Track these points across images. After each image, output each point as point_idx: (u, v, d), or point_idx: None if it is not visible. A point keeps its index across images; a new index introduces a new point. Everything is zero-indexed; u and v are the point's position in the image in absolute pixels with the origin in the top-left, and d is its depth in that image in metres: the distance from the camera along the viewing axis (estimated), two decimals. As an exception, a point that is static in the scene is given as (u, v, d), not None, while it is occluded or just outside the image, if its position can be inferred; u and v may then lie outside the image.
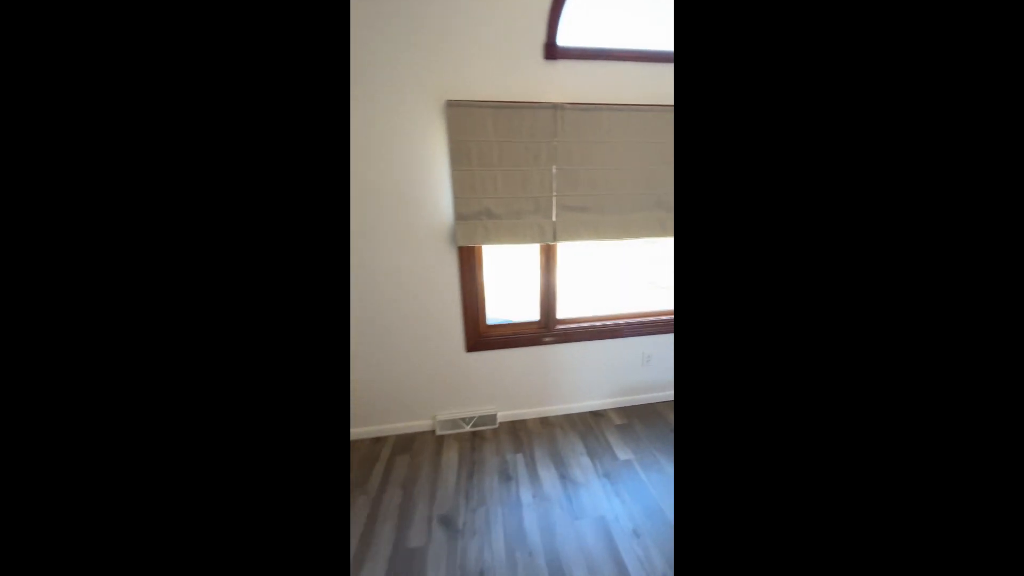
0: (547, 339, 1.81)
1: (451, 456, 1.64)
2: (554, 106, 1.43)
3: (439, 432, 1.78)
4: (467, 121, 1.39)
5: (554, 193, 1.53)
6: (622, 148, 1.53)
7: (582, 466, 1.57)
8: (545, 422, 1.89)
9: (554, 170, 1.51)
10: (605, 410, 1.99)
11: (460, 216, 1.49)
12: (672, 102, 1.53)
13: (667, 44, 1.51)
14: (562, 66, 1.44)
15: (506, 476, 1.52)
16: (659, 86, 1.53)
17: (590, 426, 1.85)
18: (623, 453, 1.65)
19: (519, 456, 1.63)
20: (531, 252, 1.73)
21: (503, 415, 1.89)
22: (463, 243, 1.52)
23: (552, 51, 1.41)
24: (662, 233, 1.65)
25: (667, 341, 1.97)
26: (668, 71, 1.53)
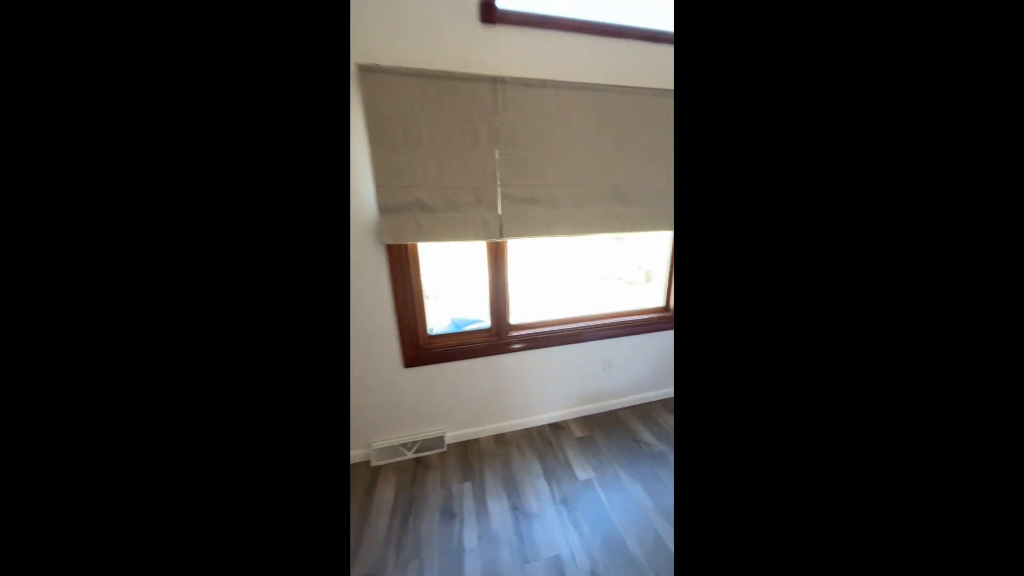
0: (501, 348, 1.61)
1: (385, 494, 1.39)
2: (494, 79, 1.22)
3: (375, 463, 1.53)
4: (388, 92, 1.14)
5: (498, 182, 1.33)
6: (574, 133, 1.36)
7: (538, 492, 1.39)
8: (500, 440, 1.69)
9: (497, 155, 1.30)
10: (566, 421, 1.83)
11: (385, 209, 1.24)
12: (632, 83, 1.37)
13: (624, 18, 1.35)
14: (502, 33, 1.23)
15: (449, 513, 1.30)
16: (615, 64, 1.38)
17: (549, 442, 1.68)
18: (583, 471, 1.49)
19: (467, 485, 1.42)
20: (479, 249, 1.51)
21: (452, 436, 1.67)
22: (390, 240, 1.27)
23: (490, 13, 1.19)
24: (620, 228, 1.50)
25: (627, 344, 1.85)
26: (626, 48, 1.38)
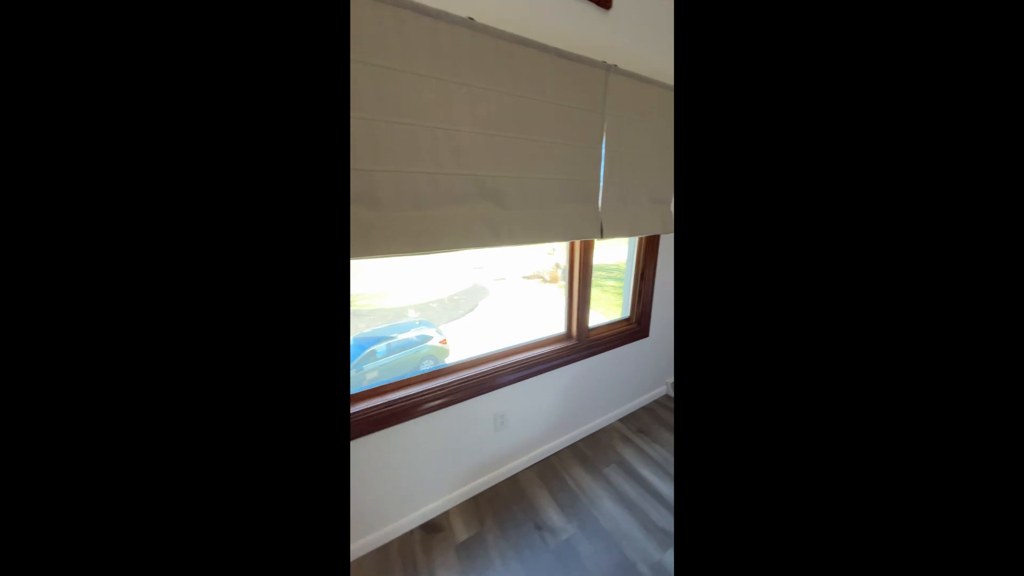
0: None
1: None
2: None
3: None
4: None
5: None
6: (417, 87, 0.82)
7: None
8: (332, 583, 1.04)
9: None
10: (447, 513, 1.29)
11: None
12: (494, 24, 0.91)
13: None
14: None
15: None
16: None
17: (414, 566, 1.11)
18: (461, 619, 0.97)
19: None
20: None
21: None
22: None
23: None
24: (493, 240, 1.03)
25: (525, 390, 1.41)
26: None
